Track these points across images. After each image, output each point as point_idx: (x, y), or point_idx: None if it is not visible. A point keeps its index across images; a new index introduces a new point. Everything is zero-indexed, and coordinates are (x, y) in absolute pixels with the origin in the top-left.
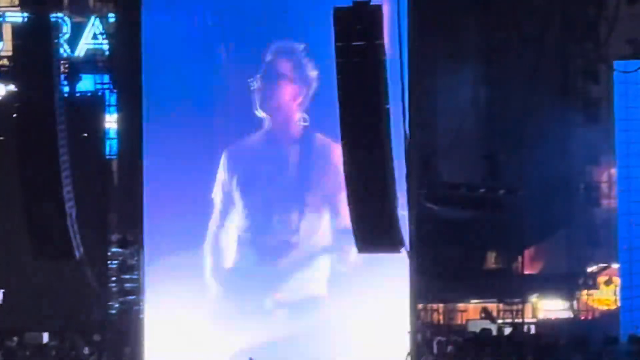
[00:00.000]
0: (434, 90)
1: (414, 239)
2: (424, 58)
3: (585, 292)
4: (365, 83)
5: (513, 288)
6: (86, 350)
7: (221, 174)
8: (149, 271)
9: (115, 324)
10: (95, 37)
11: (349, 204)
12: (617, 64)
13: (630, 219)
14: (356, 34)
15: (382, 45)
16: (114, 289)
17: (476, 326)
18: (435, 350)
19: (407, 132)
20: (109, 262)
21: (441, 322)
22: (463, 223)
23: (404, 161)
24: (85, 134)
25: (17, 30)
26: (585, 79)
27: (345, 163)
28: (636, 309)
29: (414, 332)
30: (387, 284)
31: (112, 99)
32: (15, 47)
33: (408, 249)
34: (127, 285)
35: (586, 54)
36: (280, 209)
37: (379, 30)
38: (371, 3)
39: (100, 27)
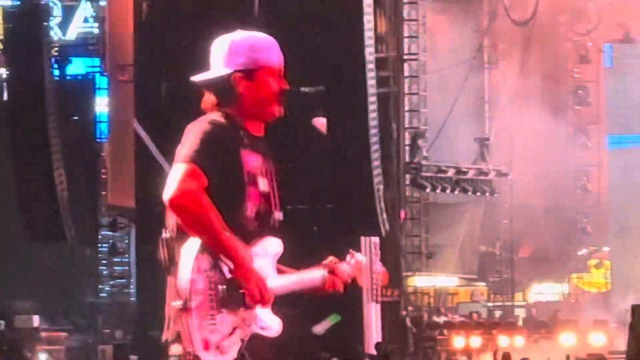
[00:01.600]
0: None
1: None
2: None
3: (575, 275)
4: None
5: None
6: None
7: None
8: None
9: (106, 307)
10: (86, 20)
11: (332, 186)
12: (608, 47)
13: None
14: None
15: (368, 29)
16: (105, 272)
17: (467, 308)
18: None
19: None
20: (99, 245)
21: (432, 304)
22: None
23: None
24: (76, 117)
25: (8, 13)
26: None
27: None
28: None
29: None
30: None
31: (102, 82)
32: (6, 31)
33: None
34: (117, 268)
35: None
36: None
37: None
38: None
39: (91, 11)
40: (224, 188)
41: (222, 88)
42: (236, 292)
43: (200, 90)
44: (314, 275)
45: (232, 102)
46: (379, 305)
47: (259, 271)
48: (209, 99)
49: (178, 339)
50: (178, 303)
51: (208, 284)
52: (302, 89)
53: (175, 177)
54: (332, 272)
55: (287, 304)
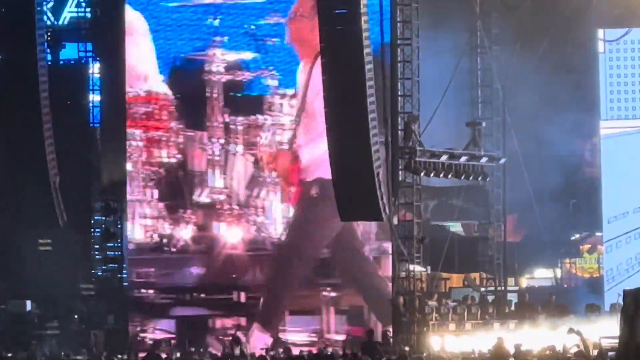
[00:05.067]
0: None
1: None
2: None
3: (568, 260)
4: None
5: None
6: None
7: None
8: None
9: (99, 291)
10: (79, 5)
11: (332, 173)
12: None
13: None
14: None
15: (364, 14)
16: (97, 257)
17: (459, 294)
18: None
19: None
20: (92, 230)
21: (425, 290)
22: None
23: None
24: (69, 102)
25: None
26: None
27: (328, 132)
28: None
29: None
30: None
31: (95, 67)
32: None
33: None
34: (110, 253)
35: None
36: None
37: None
38: None
39: None
40: None
41: None
42: None
43: None
44: None
45: None
46: None
47: None
48: None
49: None
50: None
51: None
52: None
53: None
54: None
55: None
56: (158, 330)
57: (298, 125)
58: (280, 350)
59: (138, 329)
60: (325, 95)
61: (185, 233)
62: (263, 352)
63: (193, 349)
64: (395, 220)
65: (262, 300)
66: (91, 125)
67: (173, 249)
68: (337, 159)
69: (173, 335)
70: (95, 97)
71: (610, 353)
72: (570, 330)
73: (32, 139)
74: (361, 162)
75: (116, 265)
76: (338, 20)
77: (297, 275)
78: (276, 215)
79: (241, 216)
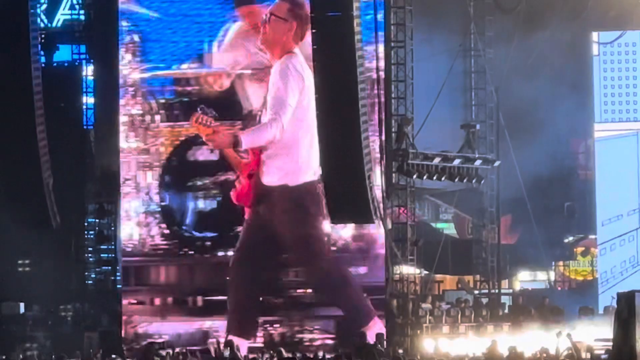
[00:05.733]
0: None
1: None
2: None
3: (562, 262)
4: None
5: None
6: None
7: None
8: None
9: (93, 294)
10: (72, 7)
11: (323, 175)
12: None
13: None
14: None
15: (356, 16)
16: (91, 259)
17: (453, 296)
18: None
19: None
20: (86, 232)
21: (418, 292)
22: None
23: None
24: (63, 104)
25: None
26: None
27: (319, 134)
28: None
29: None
30: None
31: (89, 69)
32: None
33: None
34: (104, 255)
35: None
36: None
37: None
38: None
39: None
40: None
41: None
42: None
43: None
44: None
45: None
46: None
47: None
48: None
49: None
50: None
51: None
52: None
53: None
54: None
55: None
56: (154, 333)
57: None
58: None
59: (132, 330)
60: (317, 97)
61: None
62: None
63: (186, 351)
64: (388, 223)
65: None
66: (85, 127)
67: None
68: (328, 161)
69: (167, 338)
70: (89, 100)
71: (603, 356)
72: (559, 334)
73: (25, 141)
74: (352, 164)
75: (109, 268)
76: (331, 22)
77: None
78: None
79: None
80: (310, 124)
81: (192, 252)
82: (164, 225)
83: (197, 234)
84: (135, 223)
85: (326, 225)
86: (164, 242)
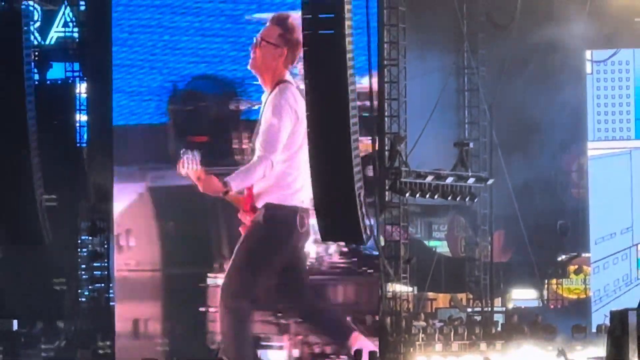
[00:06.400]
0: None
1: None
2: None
3: (555, 280)
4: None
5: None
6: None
7: None
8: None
9: (86, 311)
10: (66, 25)
11: (314, 191)
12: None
13: None
14: (323, 23)
15: (348, 35)
16: (84, 277)
17: (446, 314)
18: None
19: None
20: (78, 250)
21: (411, 310)
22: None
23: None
24: (56, 121)
25: None
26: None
27: (309, 148)
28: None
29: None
30: None
31: (82, 86)
32: None
33: (375, 237)
34: (97, 273)
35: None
36: None
37: (345, 20)
38: None
39: (71, 15)
40: None
41: None
42: None
43: None
44: None
45: None
46: None
47: None
48: None
49: None
50: None
51: None
52: None
53: None
54: None
55: None
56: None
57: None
58: None
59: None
60: (308, 115)
61: None
62: None
63: None
64: (381, 241)
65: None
66: (78, 145)
67: None
68: (319, 179)
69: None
70: (82, 117)
71: None
72: (560, 353)
73: (18, 158)
74: (342, 182)
75: (102, 285)
76: (323, 40)
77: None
78: None
79: None
80: (303, 149)
81: (372, 271)
82: (342, 243)
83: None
84: (312, 241)
85: (310, 247)
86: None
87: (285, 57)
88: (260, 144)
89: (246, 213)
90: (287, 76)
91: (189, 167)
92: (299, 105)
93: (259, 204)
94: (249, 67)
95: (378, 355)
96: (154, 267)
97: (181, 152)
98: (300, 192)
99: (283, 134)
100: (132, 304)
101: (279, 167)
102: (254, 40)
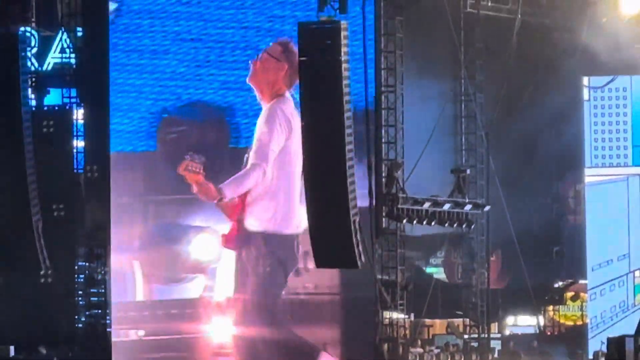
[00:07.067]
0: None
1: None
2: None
3: (551, 307)
4: (325, 102)
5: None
6: None
7: None
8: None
9: (83, 337)
10: (63, 50)
11: (308, 216)
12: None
13: None
14: (319, 50)
15: (344, 61)
16: (81, 303)
17: (443, 340)
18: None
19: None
20: (75, 275)
21: (408, 336)
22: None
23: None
24: (53, 147)
25: None
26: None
27: (305, 174)
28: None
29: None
30: None
31: (79, 112)
32: None
33: (370, 264)
34: (94, 299)
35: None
36: None
37: (341, 46)
38: (336, 19)
39: (68, 41)
40: None
41: None
42: None
43: None
44: None
45: None
46: None
47: None
48: None
49: None
50: None
51: None
52: None
53: None
54: None
55: None
56: None
57: None
58: None
59: None
60: (303, 142)
61: None
62: None
63: None
64: (378, 268)
65: None
66: (75, 171)
67: None
68: (314, 204)
69: None
70: (79, 143)
71: None
72: None
73: (15, 184)
74: (338, 208)
75: (99, 311)
76: (319, 67)
77: None
78: None
79: None
80: (296, 171)
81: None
82: None
83: None
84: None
85: (294, 282)
86: None
87: (285, 73)
88: (253, 151)
89: (231, 222)
90: (287, 93)
91: (191, 168)
92: (295, 118)
93: (250, 220)
94: (247, 81)
95: None
96: None
97: (187, 154)
98: (293, 212)
99: (274, 143)
100: None
101: (270, 181)
102: (256, 55)
